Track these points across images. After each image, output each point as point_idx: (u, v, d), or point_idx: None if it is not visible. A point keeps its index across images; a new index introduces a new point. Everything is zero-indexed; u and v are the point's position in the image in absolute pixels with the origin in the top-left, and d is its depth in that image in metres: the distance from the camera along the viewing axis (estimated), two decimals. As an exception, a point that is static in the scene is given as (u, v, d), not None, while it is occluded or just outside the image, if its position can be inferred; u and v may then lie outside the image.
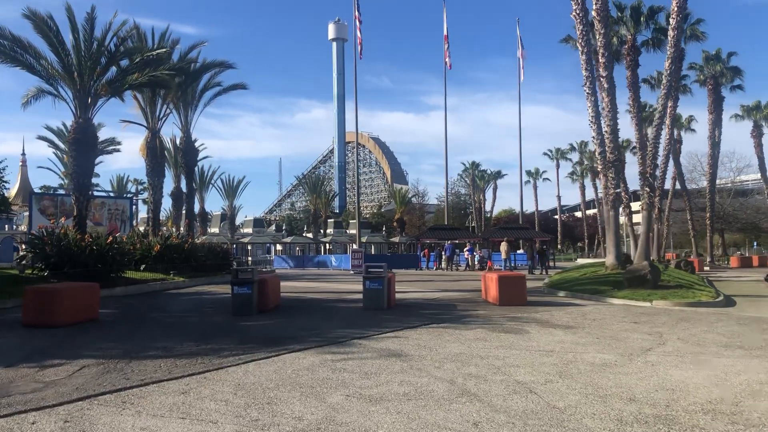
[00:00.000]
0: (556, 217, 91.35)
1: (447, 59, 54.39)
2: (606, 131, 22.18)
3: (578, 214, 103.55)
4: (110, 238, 21.84)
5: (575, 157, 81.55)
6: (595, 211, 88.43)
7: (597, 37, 22.65)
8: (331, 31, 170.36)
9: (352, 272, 37.88)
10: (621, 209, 25.71)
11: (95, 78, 22.87)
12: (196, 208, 73.14)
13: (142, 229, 38.70)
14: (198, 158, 47.86)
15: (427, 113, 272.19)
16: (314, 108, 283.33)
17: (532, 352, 9.41)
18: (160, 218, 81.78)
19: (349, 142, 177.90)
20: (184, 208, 37.83)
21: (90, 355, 9.34)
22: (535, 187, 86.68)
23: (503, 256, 35.17)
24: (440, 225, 52.74)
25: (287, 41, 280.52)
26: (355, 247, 41.44)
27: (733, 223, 59.72)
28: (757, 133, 51.05)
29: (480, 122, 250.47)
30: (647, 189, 21.86)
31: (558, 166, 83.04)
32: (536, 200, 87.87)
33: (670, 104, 31.08)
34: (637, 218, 37.92)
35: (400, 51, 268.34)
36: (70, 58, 22.66)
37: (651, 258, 22.24)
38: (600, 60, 22.29)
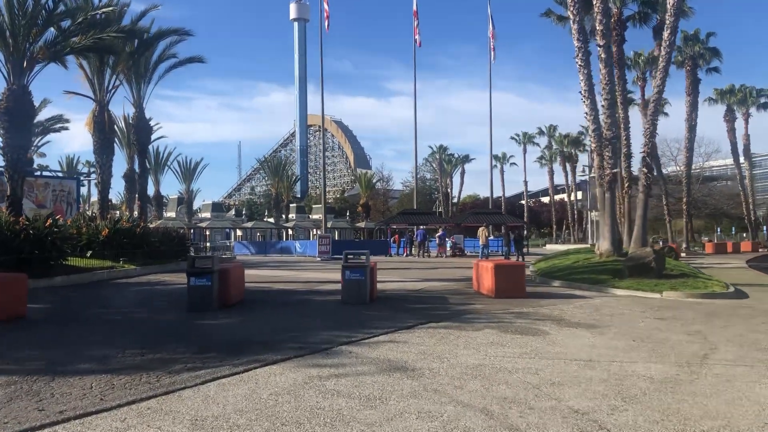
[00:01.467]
0: (522, 202, 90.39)
1: (416, 36, 52.32)
2: (602, 105, 20.45)
3: (544, 199, 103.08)
4: (49, 221, 19.27)
5: (543, 141, 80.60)
6: (563, 196, 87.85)
7: (594, 3, 20.83)
8: (293, 11, 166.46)
9: (318, 259, 35.74)
10: (622, 190, 24.27)
11: (31, 39, 20.11)
12: (151, 190, 69.83)
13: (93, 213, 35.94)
14: (152, 137, 45.00)
15: (389, 98, 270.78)
16: (274, 92, 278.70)
17: (567, 362, 7.52)
18: (114, 202, 78.39)
19: (311, 126, 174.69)
20: (137, 190, 35.00)
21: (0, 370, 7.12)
22: (502, 172, 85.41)
23: (481, 242, 33.41)
24: (410, 209, 50.88)
25: (246, 21, 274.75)
26: (320, 232, 39.26)
27: (702, 208, 59.37)
28: (730, 118, 50.46)
29: (442, 108, 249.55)
30: (645, 170, 20.32)
31: (525, 151, 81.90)
32: (503, 186, 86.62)
33: (656, 84, 29.70)
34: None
35: (362, 35, 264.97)
36: (1, 16, 19.83)
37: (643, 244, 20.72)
38: (597, 27, 20.50)
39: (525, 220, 65.30)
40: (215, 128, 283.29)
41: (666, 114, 52.29)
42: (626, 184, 20.53)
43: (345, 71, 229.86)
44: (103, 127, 27.31)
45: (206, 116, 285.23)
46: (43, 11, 20.00)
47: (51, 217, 19.75)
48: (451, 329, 9.78)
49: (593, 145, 21.41)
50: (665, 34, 21.26)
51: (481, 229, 33.82)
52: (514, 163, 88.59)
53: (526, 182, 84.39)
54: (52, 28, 20.89)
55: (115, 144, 48.54)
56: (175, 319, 11.32)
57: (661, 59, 20.52)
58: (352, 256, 13.59)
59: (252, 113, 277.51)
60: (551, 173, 78.76)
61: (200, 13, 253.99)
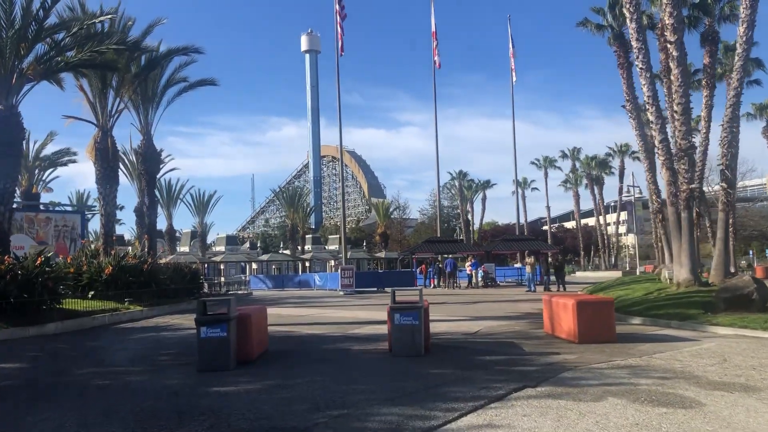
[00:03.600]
0: (545, 228, 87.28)
1: (436, 57, 50.04)
2: (675, 111, 17.80)
3: (567, 224, 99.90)
4: (40, 259, 16.76)
5: (565, 165, 77.81)
6: (588, 220, 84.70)
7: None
8: (304, 43, 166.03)
9: (341, 293, 32.99)
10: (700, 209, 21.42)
11: (21, 54, 17.83)
12: (163, 224, 67.78)
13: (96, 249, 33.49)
14: (163, 168, 43.07)
15: (399, 129, 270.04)
16: (285, 126, 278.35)
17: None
18: (129, 238, 76.18)
19: (323, 156, 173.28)
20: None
21: None
22: (523, 197, 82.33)
23: (528, 271, 30.62)
24: (435, 238, 48.06)
25: (257, 56, 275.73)
26: (342, 264, 36.59)
27: (740, 230, 56.06)
28: (770, 134, 47.51)
29: (452, 137, 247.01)
30: (724, 185, 17.61)
31: (546, 175, 78.99)
32: (524, 211, 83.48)
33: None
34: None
35: (370, 68, 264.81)
36: (-14, 27, 17.60)
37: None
38: (666, 21, 17.90)
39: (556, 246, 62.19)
40: (228, 163, 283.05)
41: (698, 130, 49.42)
42: (683, 204, 17.69)
43: (354, 103, 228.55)
44: (106, 155, 24.94)
45: (219, 152, 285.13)
46: (33, 22, 17.73)
47: (43, 255, 17.23)
48: (560, 399, 7.01)
49: (661, 158, 18.74)
50: (741, 29, 18.63)
51: (529, 258, 31.03)
52: (536, 188, 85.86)
53: (548, 207, 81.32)
54: (43, 43, 18.62)
55: (124, 176, 46.48)
56: (180, 385, 8.64)
57: (737, 57, 17.88)
58: (401, 300, 10.92)
59: (264, 147, 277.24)
60: (577, 197, 75.69)
61: (210, 48, 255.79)
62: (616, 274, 59.51)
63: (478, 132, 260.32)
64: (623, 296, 18.57)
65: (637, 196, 37.58)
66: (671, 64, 17.79)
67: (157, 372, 9.85)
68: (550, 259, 33.03)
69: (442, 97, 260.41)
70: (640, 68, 18.93)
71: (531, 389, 7.62)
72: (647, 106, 18.90)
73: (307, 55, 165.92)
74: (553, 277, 31.37)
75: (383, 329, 14.55)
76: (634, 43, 18.84)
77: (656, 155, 19.50)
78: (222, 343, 9.79)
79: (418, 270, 40.22)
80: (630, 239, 79.53)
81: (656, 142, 18.90)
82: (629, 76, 29.78)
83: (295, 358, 10.70)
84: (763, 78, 38.92)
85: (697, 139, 26.19)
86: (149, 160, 30.55)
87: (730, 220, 19.31)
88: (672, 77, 17.94)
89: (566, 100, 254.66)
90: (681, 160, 17.66)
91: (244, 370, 9.57)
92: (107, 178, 25.17)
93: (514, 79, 53.51)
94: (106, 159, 24.95)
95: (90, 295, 21.59)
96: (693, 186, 17.68)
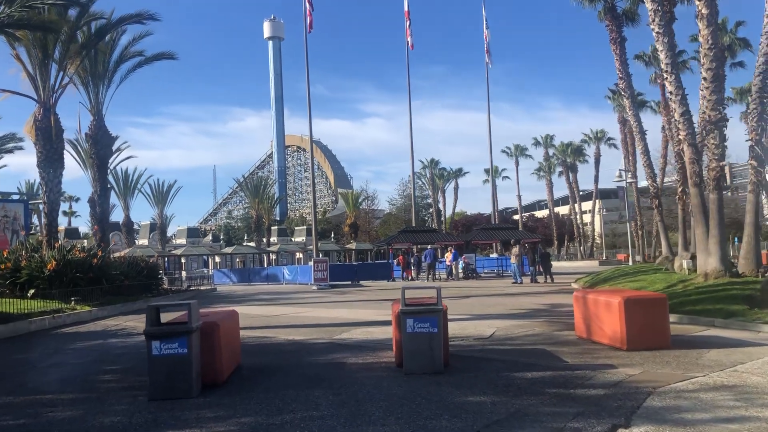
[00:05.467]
0: (515, 218, 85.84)
1: (408, 38, 47.74)
2: (705, 78, 15.81)
3: (537, 213, 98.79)
4: (-40, 254, 13.99)
5: (537, 153, 76.25)
6: (562, 208, 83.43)
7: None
8: (267, 30, 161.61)
9: (314, 287, 30.53)
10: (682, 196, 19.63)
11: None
12: (120, 216, 64.14)
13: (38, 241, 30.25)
14: (117, 153, 40.10)
15: (364, 120, 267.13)
16: (248, 116, 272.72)
17: None
18: (83, 231, 72.14)
19: (288, 146, 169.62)
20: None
21: None
22: (494, 186, 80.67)
23: (513, 261, 28.56)
24: (411, 227, 45.87)
25: (219, 45, 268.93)
26: (315, 256, 34.10)
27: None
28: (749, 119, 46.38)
29: (417, 129, 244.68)
30: (754, 163, 15.72)
31: (517, 163, 77.44)
32: (495, 200, 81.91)
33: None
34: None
35: (334, 59, 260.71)
36: None
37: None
38: (694, -24, 15.90)
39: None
40: (189, 154, 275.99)
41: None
42: (712, 184, 15.75)
43: (319, 94, 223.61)
44: (48, 135, 21.95)
45: (180, 143, 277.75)
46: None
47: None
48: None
49: (681, 135, 16.78)
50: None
51: (514, 248, 28.98)
52: (507, 177, 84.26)
53: (519, 196, 79.78)
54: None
55: (77, 163, 43.02)
56: (124, 426, 6.19)
57: (766, 17, 15.86)
58: (414, 301, 8.60)
59: (226, 138, 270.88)
60: (550, 185, 74.14)
61: (171, 38, 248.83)
62: (593, 263, 58.25)
63: (443, 124, 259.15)
64: (640, 290, 16.54)
65: (629, 181, 35.92)
66: (700, 24, 15.76)
67: (95, 402, 7.35)
68: (534, 249, 31.06)
69: (407, 88, 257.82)
70: (657, 32, 16.90)
71: (623, 428, 5.41)
72: (665, 75, 16.92)
73: (270, 42, 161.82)
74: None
75: (377, 333, 12.28)
76: (649, 5, 16.83)
77: (676, 131, 17.50)
78: (181, 363, 7.36)
79: (395, 261, 37.99)
80: (597, 228, 78.78)
81: (676, 116, 16.90)
82: (622, 52, 27.95)
83: (276, 378, 8.29)
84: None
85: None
86: (100, 143, 27.59)
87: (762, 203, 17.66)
88: (700, 38, 15.96)
89: (529, 92, 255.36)
90: (710, 134, 15.72)
91: (211, 399, 7.17)
92: (50, 161, 22.19)
93: (489, 63, 51.49)
94: (49, 139, 21.97)
95: (30, 294, 18.90)
96: (723, 164, 15.85)
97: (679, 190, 25.90)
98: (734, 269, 15.38)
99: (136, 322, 15.87)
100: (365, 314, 16.48)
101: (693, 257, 18.12)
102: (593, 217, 75.30)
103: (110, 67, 27.17)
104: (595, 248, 74.89)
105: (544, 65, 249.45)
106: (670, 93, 17.02)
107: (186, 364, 7.38)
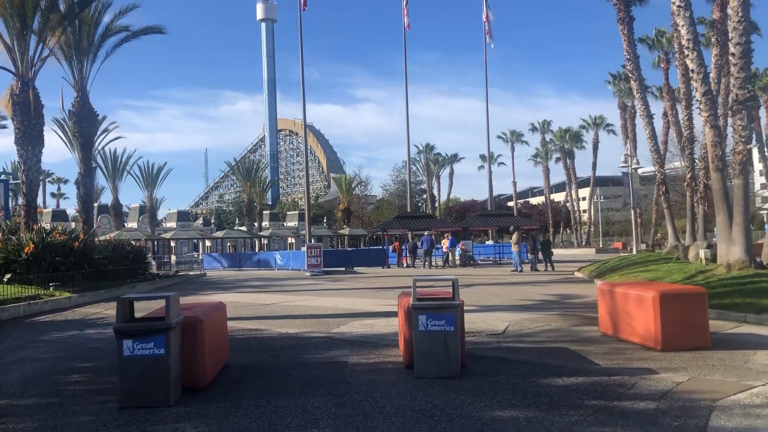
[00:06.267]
0: (510, 204, 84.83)
1: (405, 18, 46.43)
2: (733, 54, 14.72)
3: (533, 200, 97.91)
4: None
5: (533, 139, 75.06)
6: (556, 195, 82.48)
7: None
8: (260, 11, 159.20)
9: (307, 274, 29.47)
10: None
11: None
12: (109, 198, 62.76)
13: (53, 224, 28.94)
14: (104, 133, 38.79)
15: (356, 105, 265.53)
16: (240, 100, 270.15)
17: None
18: (73, 215, 70.60)
19: (281, 130, 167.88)
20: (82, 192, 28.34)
21: None
22: (490, 172, 79.62)
23: (514, 249, 27.53)
24: (407, 213, 44.76)
25: (212, 28, 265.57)
26: (308, 241, 33.01)
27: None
28: (753, 105, 45.51)
29: (410, 115, 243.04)
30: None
31: (513, 149, 76.22)
32: (491, 186, 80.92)
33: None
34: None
35: (327, 43, 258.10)
36: None
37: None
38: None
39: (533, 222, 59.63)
40: (181, 138, 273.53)
41: (680, 102, 47.02)
42: (738, 168, 14.74)
43: (311, 78, 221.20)
44: (26, 110, 20.65)
45: (172, 126, 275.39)
46: None
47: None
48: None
49: (704, 115, 15.75)
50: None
51: (514, 234, 27.93)
52: (503, 163, 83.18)
53: (515, 183, 78.53)
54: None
55: (64, 144, 41.59)
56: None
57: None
58: (426, 294, 7.56)
59: (218, 122, 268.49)
60: (547, 171, 73.00)
61: (162, 20, 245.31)
62: (589, 251, 57.48)
63: (435, 110, 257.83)
64: (652, 280, 15.59)
65: (635, 167, 34.94)
66: (731, -8, 14.68)
67: (56, 410, 6.29)
68: (535, 236, 30.13)
69: (400, 74, 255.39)
70: (678, 6, 15.83)
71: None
72: (686, 52, 15.86)
73: (263, 24, 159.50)
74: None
75: (378, 326, 11.27)
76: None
77: (698, 109, 16.43)
78: (157, 366, 6.30)
79: (390, 248, 36.95)
80: (592, 216, 78.04)
81: (698, 95, 15.87)
82: (630, 32, 26.85)
83: (269, 381, 7.23)
84: None
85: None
86: (84, 120, 26.29)
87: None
88: (729, 10, 14.87)
89: (520, 78, 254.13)
90: (738, 114, 14.69)
91: (192, 408, 6.13)
92: (29, 138, 20.91)
93: (491, 43, 50.23)
94: (27, 115, 20.68)
95: (5, 279, 17.74)
96: (749, 147, 14.87)
97: (688, 176, 24.91)
98: (758, 260, 14.43)
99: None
100: (363, 304, 15.46)
101: (710, 246, 17.19)
102: (590, 204, 74.44)
103: (95, 41, 25.83)
104: (591, 236, 74.14)
105: (536, 51, 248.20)
106: (692, 71, 15.94)
107: (163, 366, 6.32)
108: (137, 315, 7.01)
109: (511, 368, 7.49)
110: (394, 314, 12.61)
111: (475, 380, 6.91)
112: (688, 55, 15.92)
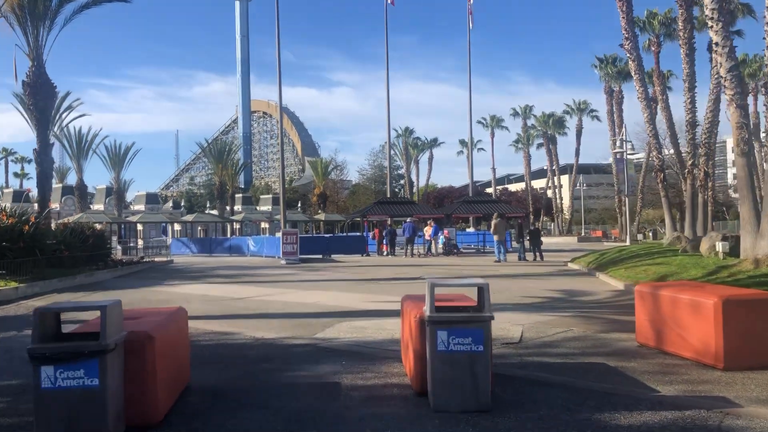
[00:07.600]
0: (489, 191, 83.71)
1: (388, -6, 44.45)
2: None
3: (511, 187, 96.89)
4: None
5: (514, 125, 73.98)
6: (541, 181, 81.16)
7: None
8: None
9: (283, 262, 27.71)
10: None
11: None
12: (73, 179, 59.99)
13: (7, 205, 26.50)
14: (66, 107, 36.42)
15: (331, 89, 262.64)
16: (213, 81, 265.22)
17: None
18: (33, 195, 67.57)
19: (254, 112, 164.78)
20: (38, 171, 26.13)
21: None
22: (470, 158, 78.13)
23: (496, 237, 26.03)
24: (387, 198, 43.07)
25: (184, 3, 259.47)
26: (282, 227, 31.22)
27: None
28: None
29: (383, 100, 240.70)
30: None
31: (493, 135, 74.98)
32: (471, 172, 79.49)
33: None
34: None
35: (302, 24, 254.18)
36: None
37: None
38: None
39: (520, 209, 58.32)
40: (151, 119, 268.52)
41: (670, 88, 46.00)
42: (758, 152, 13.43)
43: (286, 60, 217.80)
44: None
45: (142, 107, 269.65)
46: None
47: None
48: None
49: (729, 94, 14.39)
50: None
51: (495, 221, 26.38)
52: (482, 149, 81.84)
53: (494, 169, 77.51)
54: None
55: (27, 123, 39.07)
56: None
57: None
58: (447, 303, 5.92)
59: (190, 103, 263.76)
60: (528, 158, 71.85)
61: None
62: (571, 240, 56.55)
63: (411, 96, 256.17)
64: (667, 275, 14.21)
65: (630, 153, 33.70)
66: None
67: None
68: (524, 225, 28.73)
69: (376, 57, 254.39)
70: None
71: None
72: (710, 23, 14.46)
73: (237, 2, 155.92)
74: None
75: (369, 330, 9.63)
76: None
77: (723, 89, 15.08)
78: (89, 401, 4.62)
79: (371, 235, 35.30)
80: (566, 203, 77.30)
81: (722, 71, 14.49)
82: (629, 9, 25.46)
83: (241, 416, 5.57)
84: None
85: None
86: (40, 92, 24.12)
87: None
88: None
89: (496, 65, 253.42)
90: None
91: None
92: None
93: (471, 24, 48.56)
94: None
95: (-57, 267, 15.77)
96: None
97: (689, 163, 23.66)
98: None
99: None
100: (349, 300, 13.82)
101: (726, 238, 15.88)
102: (571, 191, 73.54)
103: (52, 6, 23.63)
104: (572, 223, 73.35)
105: (511, 37, 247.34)
106: (716, 44, 14.55)
107: (97, 402, 4.64)
108: (67, 329, 5.32)
109: (550, 396, 5.93)
110: (385, 313, 11.03)
111: (511, 415, 5.33)
112: (712, 27, 14.51)
